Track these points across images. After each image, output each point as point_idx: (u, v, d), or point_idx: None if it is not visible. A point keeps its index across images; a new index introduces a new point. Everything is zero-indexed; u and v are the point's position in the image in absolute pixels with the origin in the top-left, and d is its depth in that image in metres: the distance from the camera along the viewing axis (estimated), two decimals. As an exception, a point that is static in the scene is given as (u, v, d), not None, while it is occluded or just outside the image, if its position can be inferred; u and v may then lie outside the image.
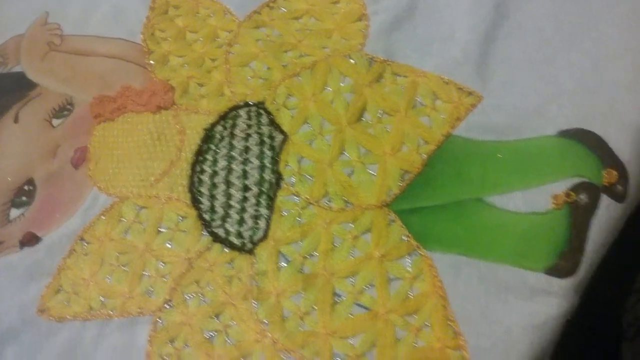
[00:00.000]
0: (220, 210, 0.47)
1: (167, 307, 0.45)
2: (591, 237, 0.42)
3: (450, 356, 0.40)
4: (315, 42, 0.53)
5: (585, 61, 0.47)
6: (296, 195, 0.47)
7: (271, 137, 0.49)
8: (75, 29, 0.60)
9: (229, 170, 0.49)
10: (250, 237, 0.46)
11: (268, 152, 0.49)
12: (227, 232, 0.47)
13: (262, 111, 0.50)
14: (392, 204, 0.45)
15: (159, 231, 0.48)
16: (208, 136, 0.50)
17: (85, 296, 0.47)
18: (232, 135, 0.50)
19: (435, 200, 0.45)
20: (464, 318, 0.41)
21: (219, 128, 0.51)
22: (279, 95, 0.51)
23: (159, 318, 0.45)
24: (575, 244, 0.42)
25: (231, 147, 0.49)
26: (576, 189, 0.43)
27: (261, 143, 0.49)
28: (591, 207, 0.43)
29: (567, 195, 0.43)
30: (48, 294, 0.48)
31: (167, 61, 0.56)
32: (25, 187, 0.52)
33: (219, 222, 0.47)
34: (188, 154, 0.50)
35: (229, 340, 0.43)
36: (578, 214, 0.43)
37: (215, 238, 0.47)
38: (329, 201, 0.46)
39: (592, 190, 0.43)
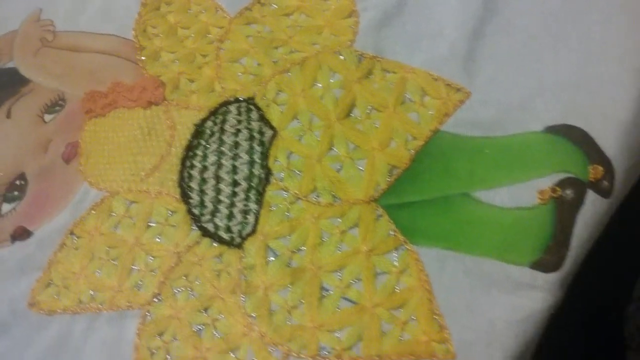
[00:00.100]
0: (209, 205, 0.48)
1: (156, 300, 0.46)
2: (576, 232, 0.43)
3: (435, 349, 0.41)
4: (305, 39, 0.53)
5: (572, 57, 0.47)
6: (285, 191, 0.47)
7: (261, 133, 0.49)
8: (67, 25, 0.60)
9: (219, 166, 0.49)
10: (239, 231, 0.46)
11: (257, 148, 0.49)
12: (216, 227, 0.47)
13: (252, 107, 0.51)
14: (380, 199, 0.46)
15: (149, 226, 0.48)
16: (198, 131, 0.51)
17: (75, 290, 0.47)
18: (222, 131, 0.50)
19: (423, 195, 0.46)
20: (449, 312, 0.42)
21: (209, 123, 0.51)
22: (269, 91, 0.51)
23: (148, 312, 0.45)
24: (561, 238, 0.42)
25: (221, 142, 0.50)
26: (562, 184, 0.44)
27: (251, 138, 0.49)
28: (577, 203, 0.43)
29: (553, 190, 0.43)
30: (38, 287, 0.48)
31: (158, 57, 0.56)
32: (17, 182, 0.53)
33: (208, 217, 0.47)
34: (178, 149, 0.50)
35: (216, 334, 0.44)
36: (564, 209, 0.43)
37: (205, 232, 0.47)
38: (318, 196, 0.47)
39: (578, 186, 0.43)
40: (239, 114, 0.51)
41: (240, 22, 0.56)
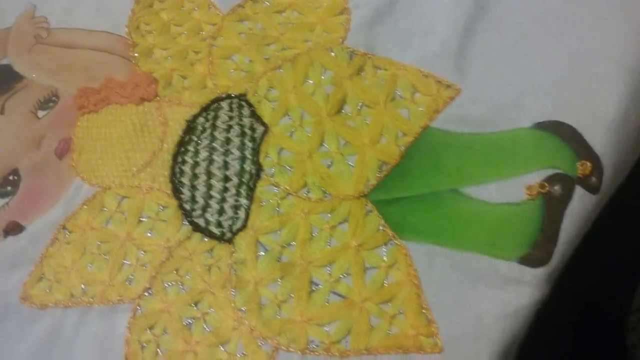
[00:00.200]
0: (200, 200, 0.48)
1: (147, 294, 0.46)
2: (564, 228, 0.43)
3: (423, 343, 0.41)
4: (297, 36, 0.54)
5: (563, 54, 0.48)
6: (275, 186, 0.47)
7: (252, 129, 0.50)
8: (61, 22, 0.61)
9: (210, 161, 0.49)
10: (230, 226, 0.47)
11: (249, 144, 0.49)
12: (207, 222, 0.47)
13: (243, 103, 0.51)
14: (370, 195, 0.46)
15: (140, 220, 0.49)
16: (190, 127, 0.51)
17: (67, 284, 0.47)
18: (213, 127, 0.50)
19: (412, 191, 0.46)
20: (437, 306, 0.42)
21: (201, 120, 0.51)
22: (260, 88, 0.51)
23: (139, 305, 0.46)
24: (548, 234, 0.43)
25: (212, 138, 0.50)
26: (550, 180, 0.44)
27: (242, 134, 0.50)
28: (565, 198, 0.43)
29: (541, 186, 0.44)
30: (31, 281, 0.48)
31: (151, 54, 0.56)
32: (10, 177, 0.53)
33: (199, 212, 0.48)
34: (170, 145, 0.51)
35: (207, 328, 0.44)
36: (552, 205, 0.43)
37: (196, 227, 0.47)
38: (308, 192, 0.47)
39: (566, 182, 0.44)
40: (231, 110, 0.51)
41: (232, 19, 0.56)
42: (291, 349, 0.42)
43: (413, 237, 0.44)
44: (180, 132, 0.51)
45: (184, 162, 0.50)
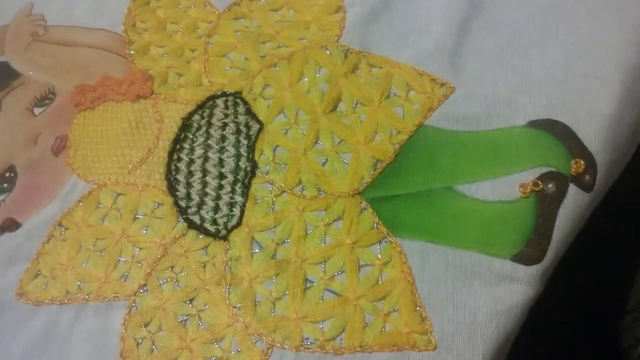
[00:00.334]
0: (196, 198, 0.48)
1: (142, 291, 0.46)
2: (558, 226, 0.43)
3: (417, 340, 0.41)
4: (292, 34, 0.54)
5: (557, 53, 0.48)
6: (270, 183, 0.48)
7: (247, 126, 0.50)
8: (59, 19, 0.61)
9: (206, 159, 0.49)
10: (225, 223, 0.47)
11: (244, 141, 0.49)
12: (202, 219, 0.47)
13: (239, 101, 0.51)
14: (364, 192, 0.46)
15: (136, 218, 0.49)
16: (186, 125, 0.51)
17: (63, 281, 0.48)
18: (209, 124, 0.51)
19: (407, 188, 0.46)
20: (431, 303, 0.42)
21: (197, 117, 0.51)
22: (256, 85, 0.51)
23: (134, 302, 0.46)
24: (542, 231, 0.43)
25: (208, 135, 0.50)
26: (544, 178, 0.44)
27: (237, 132, 0.50)
28: (558, 196, 0.44)
29: (535, 184, 0.44)
30: (26, 278, 0.48)
31: (147, 51, 0.56)
32: (7, 174, 0.53)
33: (194, 209, 0.48)
34: (166, 142, 0.51)
35: (201, 324, 0.44)
36: (545, 203, 0.43)
37: (191, 225, 0.47)
38: (303, 189, 0.47)
39: (560, 180, 0.44)
40: (226, 107, 0.51)
41: (228, 17, 0.56)
42: (286, 346, 0.42)
43: (407, 234, 0.44)
44: (175, 130, 0.51)
45: (179, 159, 0.50)
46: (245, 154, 0.49)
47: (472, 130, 0.47)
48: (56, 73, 0.57)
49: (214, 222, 0.47)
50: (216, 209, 0.47)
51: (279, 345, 0.43)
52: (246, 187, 0.48)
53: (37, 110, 0.56)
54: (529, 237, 0.43)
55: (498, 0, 0.51)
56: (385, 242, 0.44)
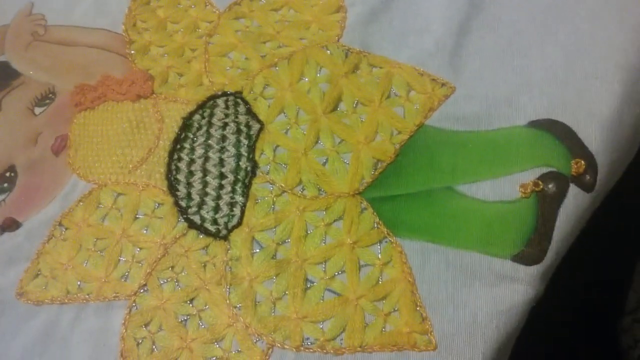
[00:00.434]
0: (196, 198, 0.48)
1: (143, 291, 0.46)
2: (559, 226, 0.43)
3: (417, 340, 0.41)
4: (293, 33, 0.54)
5: (557, 53, 0.48)
6: (271, 183, 0.48)
7: (248, 126, 0.50)
8: (59, 19, 0.61)
9: (206, 158, 0.49)
10: (225, 223, 0.47)
11: (244, 141, 0.49)
12: (203, 219, 0.47)
13: (239, 100, 0.51)
14: (365, 192, 0.46)
15: (136, 217, 0.49)
16: (186, 125, 0.51)
17: (63, 280, 0.48)
18: (209, 124, 0.51)
19: (407, 188, 0.46)
20: (432, 303, 0.42)
21: (197, 117, 0.51)
22: (256, 85, 0.51)
23: (134, 302, 0.46)
24: (542, 231, 0.43)
25: (208, 135, 0.50)
26: (544, 178, 0.44)
27: (238, 132, 0.50)
28: (559, 196, 0.44)
29: (535, 184, 0.44)
30: (27, 278, 0.48)
31: (147, 51, 0.56)
32: (7, 174, 0.53)
33: (194, 209, 0.48)
34: (166, 142, 0.51)
35: (202, 324, 0.44)
36: (545, 203, 0.43)
37: (191, 224, 0.47)
38: (303, 189, 0.47)
39: (560, 180, 0.44)
40: (227, 107, 0.51)
41: (229, 16, 0.56)
42: (286, 346, 0.42)
43: (407, 234, 0.44)
44: (176, 129, 0.51)
45: (179, 159, 0.50)
46: (246, 154, 0.49)
47: (472, 130, 0.47)
48: (56, 73, 0.57)
49: (215, 222, 0.47)
50: (216, 208, 0.47)
51: (279, 345, 0.43)
52: (246, 187, 0.48)
53: (37, 110, 0.56)
54: (529, 237, 0.43)
55: (498, 0, 0.51)
56: (386, 242, 0.44)
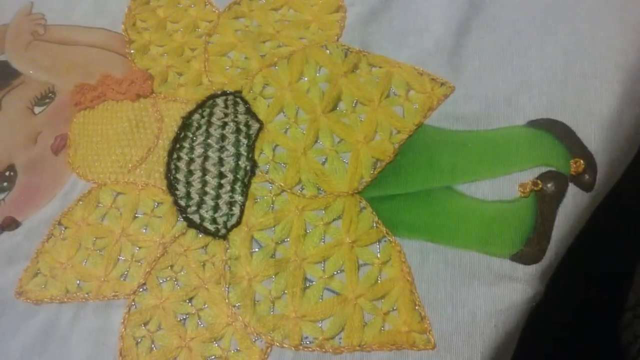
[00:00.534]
0: (195, 197, 0.48)
1: (142, 290, 0.46)
2: (558, 226, 0.43)
3: (416, 339, 0.41)
4: (293, 33, 0.54)
5: (557, 52, 0.48)
6: (270, 183, 0.48)
7: (247, 126, 0.50)
8: (59, 19, 0.61)
9: (205, 158, 0.49)
10: (225, 223, 0.47)
11: (244, 140, 0.49)
12: (202, 218, 0.47)
13: (239, 100, 0.51)
14: (364, 192, 0.46)
15: (135, 217, 0.49)
16: (185, 124, 0.51)
17: (62, 279, 0.48)
18: (209, 124, 0.51)
19: (406, 188, 0.46)
20: (431, 302, 0.42)
21: (197, 116, 0.51)
22: (256, 85, 0.51)
23: (134, 301, 0.46)
24: (541, 231, 0.43)
25: (208, 134, 0.50)
26: (543, 177, 0.44)
27: (237, 131, 0.50)
28: (558, 196, 0.44)
29: (534, 183, 0.44)
30: (26, 277, 0.48)
31: (147, 50, 0.56)
32: (7, 173, 0.53)
33: (194, 208, 0.48)
34: (165, 142, 0.51)
35: (201, 323, 0.44)
36: (544, 202, 0.43)
37: (190, 224, 0.47)
38: (302, 188, 0.47)
39: (560, 179, 0.44)
40: (226, 107, 0.51)
41: (228, 16, 0.56)
42: (285, 345, 0.42)
43: (406, 233, 0.44)
44: (175, 129, 0.51)
45: (179, 158, 0.50)
46: (245, 153, 0.49)
47: (471, 130, 0.47)
48: (56, 72, 0.57)
49: (214, 221, 0.47)
50: (216, 208, 0.47)
51: (278, 344, 0.43)
52: (246, 186, 0.48)
53: (37, 109, 0.56)
54: (528, 237, 0.43)
55: (498, 0, 0.51)
56: (385, 241, 0.44)
